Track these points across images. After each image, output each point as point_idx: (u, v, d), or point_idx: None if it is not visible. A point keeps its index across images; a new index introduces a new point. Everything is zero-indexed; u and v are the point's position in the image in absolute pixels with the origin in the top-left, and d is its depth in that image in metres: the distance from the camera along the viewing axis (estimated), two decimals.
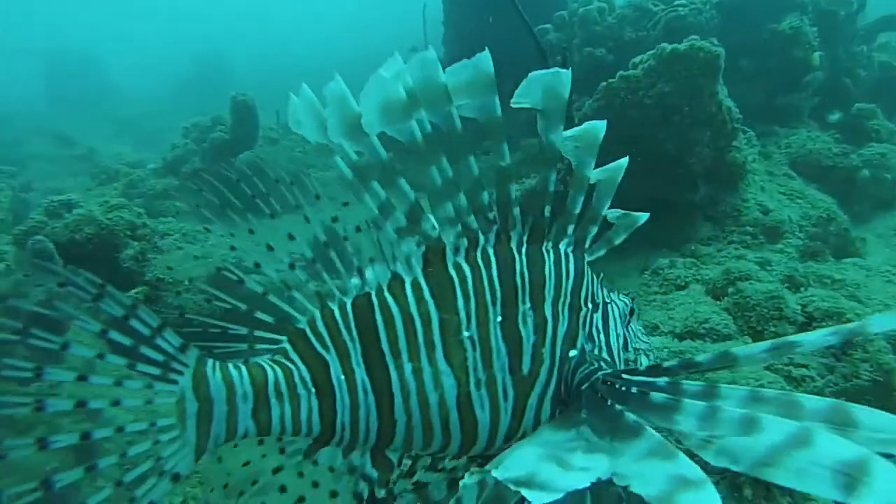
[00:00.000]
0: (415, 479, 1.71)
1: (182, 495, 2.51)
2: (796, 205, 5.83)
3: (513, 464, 1.26)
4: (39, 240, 3.50)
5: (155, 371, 1.44)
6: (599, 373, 1.64)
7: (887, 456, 1.09)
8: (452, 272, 1.62)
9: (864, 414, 1.22)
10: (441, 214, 1.60)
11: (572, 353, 1.69)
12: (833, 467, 1.09)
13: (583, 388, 1.62)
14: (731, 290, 3.77)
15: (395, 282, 1.61)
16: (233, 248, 1.57)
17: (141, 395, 1.41)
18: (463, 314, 1.59)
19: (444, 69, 1.49)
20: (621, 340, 1.84)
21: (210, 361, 1.51)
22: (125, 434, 1.38)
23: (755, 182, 5.75)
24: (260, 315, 1.58)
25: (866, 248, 5.64)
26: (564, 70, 1.53)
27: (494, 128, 1.55)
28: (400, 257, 1.61)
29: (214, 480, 1.58)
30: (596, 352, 1.74)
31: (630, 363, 1.85)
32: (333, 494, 1.62)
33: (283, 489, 1.59)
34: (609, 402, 1.48)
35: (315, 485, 1.61)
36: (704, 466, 1.16)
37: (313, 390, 1.56)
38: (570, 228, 1.75)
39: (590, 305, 1.75)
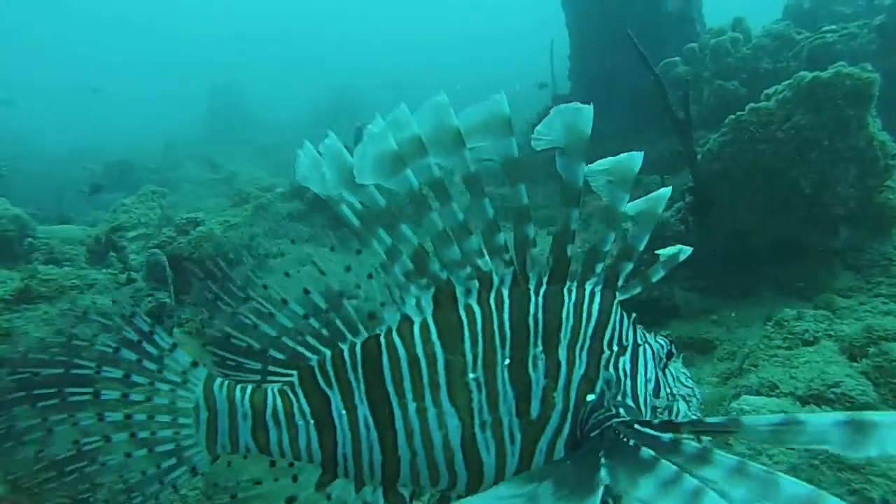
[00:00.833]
0: None
1: None
2: None
3: None
4: (154, 252, 3.75)
5: (177, 379, 1.74)
6: (613, 420, 1.61)
7: None
8: (462, 313, 1.66)
9: None
10: (446, 257, 1.64)
11: (590, 397, 1.66)
12: None
13: (592, 434, 1.60)
14: (872, 350, 3.36)
15: (405, 323, 1.69)
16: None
17: (167, 395, 1.74)
18: (469, 356, 1.63)
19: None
20: (651, 385, 1.78)
21: (219, 380, 1.74)
22: (155, 421, 1.72)
23: None
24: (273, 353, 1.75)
25: None
26: (586, 105, 1.50)
27: (512, 168, 1.55)
28: (409, 300, 1.68)
29: None
30: (620, 397, 1.69)
31: (660, 410, 1.79)
32: None
33: None
34: (598, 453, 1.47)
35: None
36: None
37: (312, 422, 1.69)
38: (599, 267, 1.70)
39: (615, 348, 1.71)
